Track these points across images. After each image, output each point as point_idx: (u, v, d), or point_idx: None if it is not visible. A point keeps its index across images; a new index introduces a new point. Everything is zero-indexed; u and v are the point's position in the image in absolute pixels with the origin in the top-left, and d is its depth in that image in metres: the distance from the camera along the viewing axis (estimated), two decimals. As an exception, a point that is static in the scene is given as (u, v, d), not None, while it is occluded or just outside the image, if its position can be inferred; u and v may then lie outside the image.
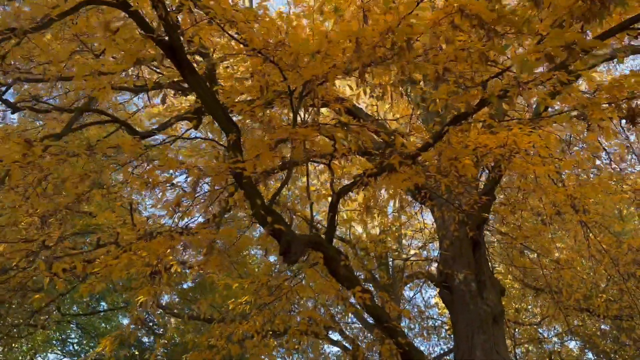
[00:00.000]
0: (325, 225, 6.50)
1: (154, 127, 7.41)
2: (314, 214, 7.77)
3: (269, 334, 6.78)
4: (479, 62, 3.11)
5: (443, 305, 17.37)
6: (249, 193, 4.24)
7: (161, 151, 4.65)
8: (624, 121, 9.00)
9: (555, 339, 16.39)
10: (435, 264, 14.74)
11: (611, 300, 9.80)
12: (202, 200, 6.56)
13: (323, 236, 5.85)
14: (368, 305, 5.66)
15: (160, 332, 17.08)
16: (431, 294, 17.71)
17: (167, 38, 3.25)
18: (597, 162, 9.70)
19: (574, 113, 5.47)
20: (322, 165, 10.46)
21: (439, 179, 5.84)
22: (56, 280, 4.66)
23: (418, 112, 8.78)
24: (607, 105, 3.52)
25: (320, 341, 12.78)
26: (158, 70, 5.90)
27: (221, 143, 4.63)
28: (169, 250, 5.50)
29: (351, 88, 4.45)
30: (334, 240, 6.05)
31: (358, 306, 14.88)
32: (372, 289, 12.83)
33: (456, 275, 7.39)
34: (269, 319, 6.75)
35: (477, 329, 6.95)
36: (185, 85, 5.77)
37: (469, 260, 7.54)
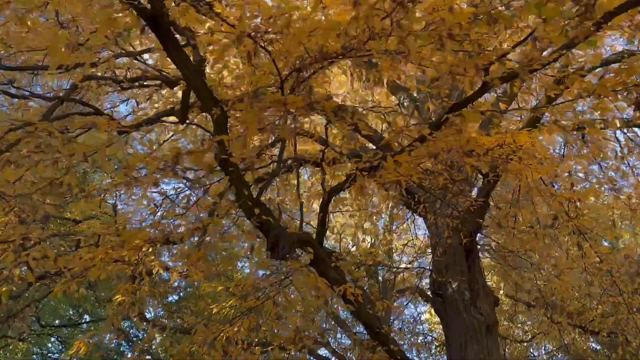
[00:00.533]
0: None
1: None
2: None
3: (254, 342, 6.49)
4: (488, 25, 2.92)
5: (433, 321, 17.16)
6: (235, 181, 4.00)
7: (143, 131, 4.39)
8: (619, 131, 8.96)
9: (545, 356, 16.14)
10: (426, 279, 14.56)
11: (604, 317, 9.60)
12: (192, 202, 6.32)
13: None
14: (359, 306, 5.43)
15: (145, 346, 16.60)
16: (421, 309, 17.42)
17: (149, 7, 3.04)
18: (593, 172, 9.60)
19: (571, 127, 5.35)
20: (312, 174, 10.27)
21: (434, 179, 5.66)
22: (28, 273, 4.38)
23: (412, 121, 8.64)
24: (614, 92, 3.35)
25: (309, 356, 12.45)
26: (145, 62, 5.69)
27: (207, 129, 4.40)
28: (150, 250, 5.23)
29: (345, 75, 4.25)
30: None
31: (347, 316, 14.52)
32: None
33: (449, 284, 7.19)
34: (255, 327, 6.47)
35: (470, 338, 6.74)
36: (174, 77, 5.57)
37: (462, 268, 7.34)
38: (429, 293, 15.43)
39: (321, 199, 5.43)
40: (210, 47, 3.85)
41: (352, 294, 5.04)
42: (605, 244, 9.28)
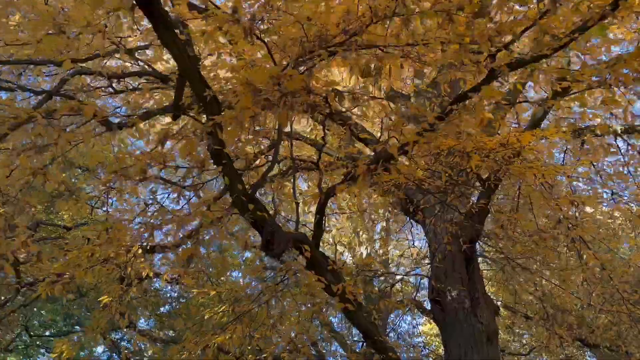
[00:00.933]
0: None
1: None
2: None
3: (247, 350, 6.27)
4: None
5: (430, 333, 16.90)
6: (228, 173, 3.81)
7: (134, 122, 4.20)
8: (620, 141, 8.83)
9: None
10: (423, 291, 14.36)
11: (605, 329, 9.39)
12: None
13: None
14: (356, 312, 5.23)
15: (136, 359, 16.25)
16: (418, 321, 17.17)
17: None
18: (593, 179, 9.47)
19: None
20: (307, 178, 10.10)
21: (434, 181, 5.50)
22: (6, 265, 4.17)
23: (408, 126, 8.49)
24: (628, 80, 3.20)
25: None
26: (137, 58, 5.53)
27: (200, 120, 4.21)
28: (140, 251, 5.03)
29: (343, 63, 4.08)
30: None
31: (342, 328, 14.25)
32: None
33: (448, 292, 6.99)
34: (248, 334, 6.25)
35: (470, 348, 6.53)
36: (166, 73, 5.41)
37: (461, 276, 7.14)
38: (425, 305, 15.23)
39: (318, 200, 5.24)
40: (204, 35, 3.67)
41: (351, 292, 4.84)
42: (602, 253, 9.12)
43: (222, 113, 3.90)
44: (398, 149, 4.06)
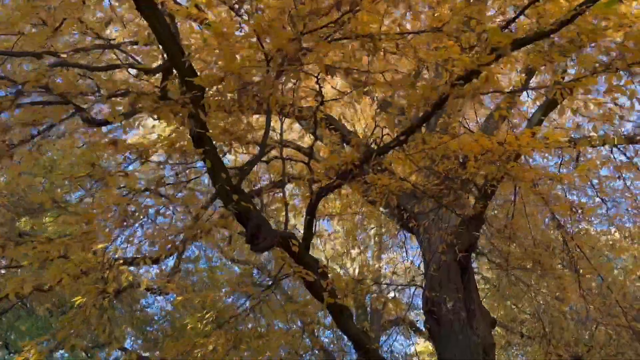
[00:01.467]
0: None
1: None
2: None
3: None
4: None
5: (426, 352, 16.53)
6: (211, 158, 3.57)
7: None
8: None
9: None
10: (416, 311, 14.07)
11: (606, 344, 9.13)
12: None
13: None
14: (348, 322, 4.98)
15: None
16: (412, 341, 16.81)
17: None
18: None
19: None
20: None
21: (429, 182, 5.31)
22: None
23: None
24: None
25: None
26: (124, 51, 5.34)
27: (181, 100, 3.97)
28: (118, 252, 4.77)
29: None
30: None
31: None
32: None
33: (443, 303, 6.74)
34: (234, 344, 5.95)
35: (466, 361, 6.27)
36: (153, 65, 5.20)
37: (457, 286, 6.90)
38: (418, 324, 14.90)
39: (309, 201, 5.01)
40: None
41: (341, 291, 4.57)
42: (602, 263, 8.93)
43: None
44: (393, 140, 3.85)
